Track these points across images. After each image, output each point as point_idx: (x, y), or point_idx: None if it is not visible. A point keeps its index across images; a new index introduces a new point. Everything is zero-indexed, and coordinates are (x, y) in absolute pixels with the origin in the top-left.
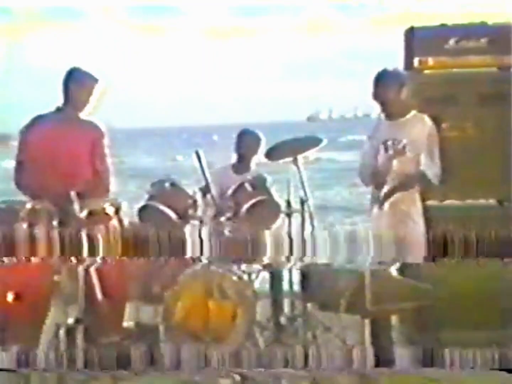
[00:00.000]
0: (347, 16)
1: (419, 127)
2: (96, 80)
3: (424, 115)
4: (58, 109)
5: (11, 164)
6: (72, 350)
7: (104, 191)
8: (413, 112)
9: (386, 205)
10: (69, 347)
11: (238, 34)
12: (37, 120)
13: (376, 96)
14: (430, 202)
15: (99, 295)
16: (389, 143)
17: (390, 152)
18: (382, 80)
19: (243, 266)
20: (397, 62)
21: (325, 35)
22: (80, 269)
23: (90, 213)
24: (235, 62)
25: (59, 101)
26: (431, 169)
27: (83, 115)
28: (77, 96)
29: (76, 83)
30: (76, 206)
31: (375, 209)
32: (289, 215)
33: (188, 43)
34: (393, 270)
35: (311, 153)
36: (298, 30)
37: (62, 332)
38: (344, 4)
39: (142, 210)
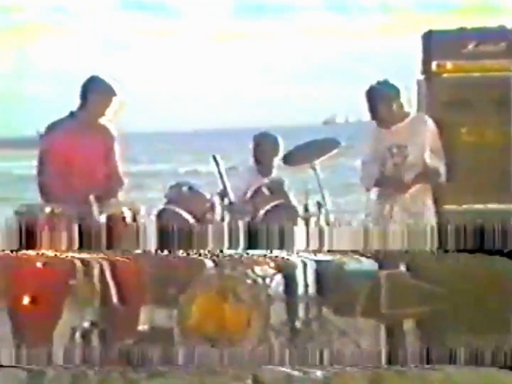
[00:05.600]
0: (357, 20)
1: (420, 128)
2: (115, 94)
3: (425, 115)
4: (72, 114)
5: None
6: (88, 353)
7: (119, 183)
8: (412, 115)
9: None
10: (84, 350)
11: (249, 37)
12: (54, 126)
13: (371, 112)
14: (447, 207)
15: (114, 298)
16: (394, 150)
17: (396, 159)
18: (373, 98)
19: (258, 270)
20: (412, 65)
21: (336, 39)
22: (96, 272)
23: (109, 217)
24: (248, 65)
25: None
26: (438, 167)
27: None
28: (95, 106)
29: (95, 93)
30: (94, 210)
31: (387, 207)
32: (306, 219)
33: (193, 46)
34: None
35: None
36: (310, 34)
37: (77, 335)
38: (352, 8)
39: (160, 213)
